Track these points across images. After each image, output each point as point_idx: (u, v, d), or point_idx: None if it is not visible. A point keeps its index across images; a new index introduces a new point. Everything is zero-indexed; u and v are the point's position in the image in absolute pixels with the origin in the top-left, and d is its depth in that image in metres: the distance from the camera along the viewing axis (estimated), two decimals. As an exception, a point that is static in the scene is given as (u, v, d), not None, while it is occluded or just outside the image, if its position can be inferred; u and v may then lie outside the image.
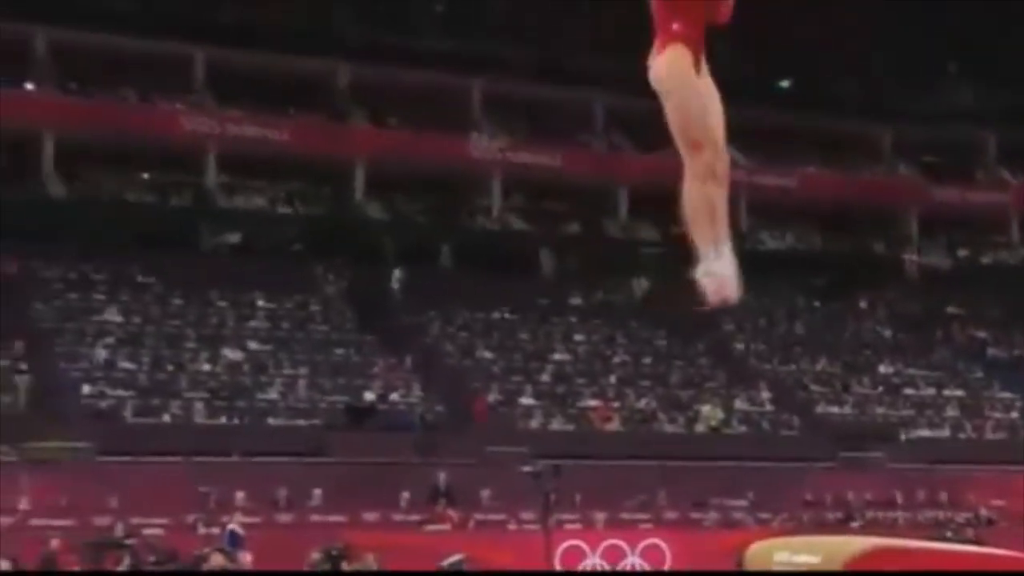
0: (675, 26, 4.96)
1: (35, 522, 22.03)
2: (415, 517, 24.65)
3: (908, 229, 41.64)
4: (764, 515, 26.94)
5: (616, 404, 30.81)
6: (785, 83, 42.16)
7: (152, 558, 20.43)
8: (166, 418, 26.47)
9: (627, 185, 37.93)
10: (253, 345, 29.75)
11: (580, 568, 23.81)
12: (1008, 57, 37.20)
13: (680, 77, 4.92)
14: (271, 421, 27.26)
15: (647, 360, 33.30)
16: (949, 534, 24.48)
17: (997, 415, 33.90)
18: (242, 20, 34.47)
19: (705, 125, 4.90)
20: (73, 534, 21.11)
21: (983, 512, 28.44)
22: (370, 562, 20.54)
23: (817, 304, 38.96)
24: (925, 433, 32.53)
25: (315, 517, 24.25)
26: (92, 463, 24.29)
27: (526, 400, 29.99)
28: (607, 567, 24.11)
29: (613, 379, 31.99)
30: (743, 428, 31.24)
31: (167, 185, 34.86)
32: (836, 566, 6.52)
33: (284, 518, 24.15)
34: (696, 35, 5.00)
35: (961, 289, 40.16)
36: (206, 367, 28.49)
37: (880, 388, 34.41)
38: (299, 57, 34.68)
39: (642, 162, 36.29)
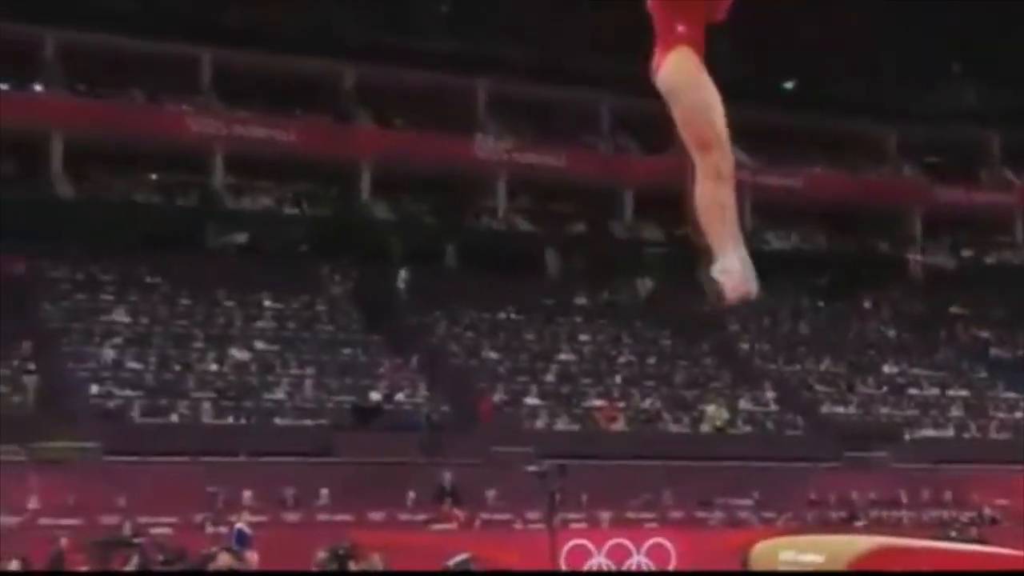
0: (679, 28, 4.99)
1: (44, 521, 22.10)
2: (421, 517, 24.69)
3: (912, 229, 41.66)
4: (769, 514, 26.98)
5: (621, 404, 30.85)
6: (789, 84, 42.20)
7: (160, 557, 20.49)
8: (174, 418, 26.51)
9: (632, 186, 37.99)
10: (260, 345, 29.82)
11: (586, 567, 23.85)
12: (1012, 57, 37.20)
13: (689, 78, 4.96)
14: (278, 421, 27.31)
15: (652, 360, 33.34)
16: (953, 533, 24.54)
17: (1001, 415, 33.91)
18: (248, 22, 34.55)
19: (714, 125, 4.97)
20: (81, 533, 21.16)
21: (987, 511, 28.48)
22: (376, 561, 20.58)
23: (821, 304, 38.98)
24: (929, 433, 32.56)
25: (322, 516, 24.32)
26: (100, 463, 24.37)
27: (531, 400, 30.03)
28: (612, 566, 24.15)
29: (618, 379, 32.03)
30: (748, 428, 31.27)
31: (174, 186, 34.95)
32: (841, 565, 6.55)
33: (291, 517, 24.19)
34: (699, 35, 5.04)
35: (965, 289, 40.17)
36: (213, 367, 28.54)
37: (884, 388, 34.44)
38: (305, 58, 34.76)
39: (647, 163, 36.37)
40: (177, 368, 28.25)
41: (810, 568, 6.76)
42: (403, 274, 33.77)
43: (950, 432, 32.88)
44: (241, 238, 35.29)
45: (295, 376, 28.82)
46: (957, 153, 42.30)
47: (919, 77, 40.56)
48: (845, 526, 25.75)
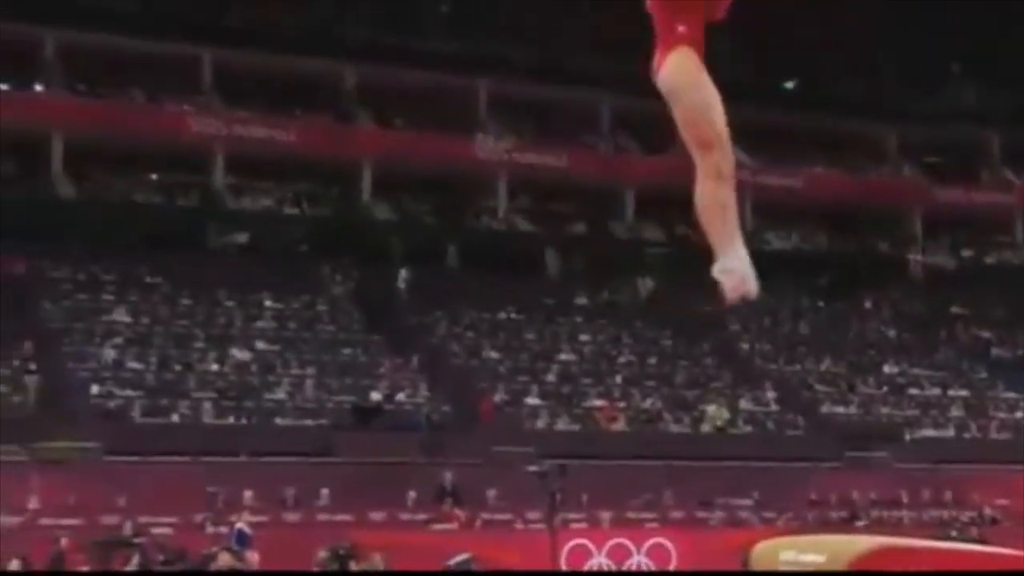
0: (680, 29, 4.99)
1: (44, 521, 22.09)
2: (422, 516, 24.68)
3: (912, 229, 41.68)
4: (769, 514, 26.98)
5: (622, 404, 30.86)
6: (790, 84, 42.23)
7: (160, 557, 20.48)
8: (174, 418, 26.51)
9: (633, 186, 38.03)
10: (261, 345, 29.83)
11: (586, 567, 23.85)
12: (1012, 57, 37.22)
13: (689, 78, 4.96)
14: (278, 421, 27.31)
15: (652, 360, 33.36)
16: (954, 533, 24.53)
17: (1001, 415, 33.93)
18: (249, 22, 34.60)
19: (714, 125, 4.97)
20: (82, 533, 21.14)
21: (987, 511, 28.49)
22: (377, 561, 20.56)
23: (822, 304, 39.00)
24: (930, 433, 32.57)
25: (322, 516, 24.31)
26: (101, 463, 24.37)
27: (532, 400, 30.04)
28: (613, 566, 24.15)
29: (619, 379, 32.04)
30: (748, 428, 31.29)
31: (175, 186, 34.98)
32: (841, 565, 6.56)
33: (292, 517, 24.18)
34: (699, 35, 5.04)
35: (965, 289, 40.18)
36: (214, 367, 28.55)
37: (885, 388, 34.45)
38: (306, 58, 34.78)
39: (648, 163, 36.43)
40: (178, 368, 28.26)
41: (811, 568, 6.77)
42: (404, 274, 33.79)
43: (950, 432, 32.89)
44: (242, 238, 35.30)
45: (296, 376, 28.83)
46: (957, 153, 42.33)
47: (919, 77, 40.58)
48: (846, 526, 25.75)
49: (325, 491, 24.73)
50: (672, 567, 24.14)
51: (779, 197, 38.40)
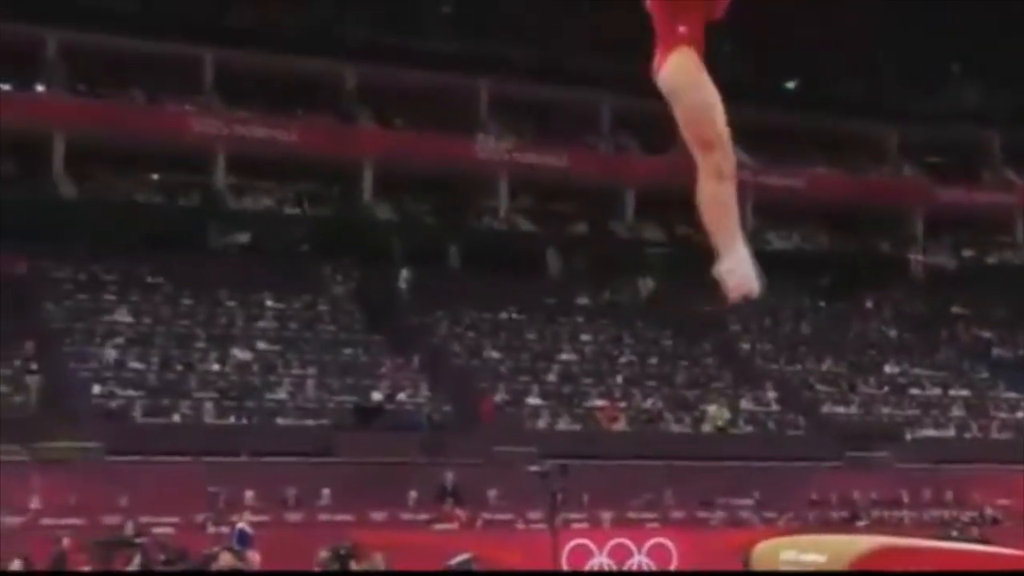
0: (681, 29, 5.02)
1: (46, 521, 22.12)
2: (423, 516, 24.70)
3: (913, 229, 41.69)
4: (770, 514, 26.99)
5: (623, 404, 30.88)
6: (791, 84, 42.24)
7: (162, 557, 20.50)
8: (176, 418, 26.55)
9: (634, 186, 38.05)
10: (262, 345, 29.85)
11: (587, 567, 23.86)
12: (1013, 57, 37.22)
13: (690, 78, 4.99)
14: (280, 421, 27.34)
15: (653, 360, 33.37)
16: (955, 533, 24.55)
17: (1002, 415, 33.94)
18: (250, 22, 34.63)
19: (715, 125, 4.99)
20: (83, 533, 21.18)
21: (988, 511, 28.50)
22: (378, 561, 20.57)
23: (823, 304, 39.02)
24: (930, 433, 32.58)
25: (323, 516, 24.35)
26: (102, 463, 24.40)
27: (533, 400, 30.07)
28: (614, 566, 24.17)
29: (620, 379, 32.07)
30: (749, 428, 31.30)
31: (176, 186, 35.01)
32: (842, 565, 6.57)
33: (293, 517, 24.22)
34: (699, 35, 5.07)
35: (966, 289, 40.20)
36: (215, 367, 28.58)
37: (886, 388, 34.46)
38: (307, 59, 34.80)
39: (649, 163, 36.45)
40: (179, 368, 28.29)
41: (811, 568, 6.78)
42: (405, 274, 33.82)
43: (951, 432, 32.91)
44: (243, 238, 35.34)
45: (297, 376, 28.85)
46: (958, 153, 42.35)
47: (920, 77, 40.59)
48: (846, 526, 25.77)
49: (326, 491, 24.76)
50: (673, 567, 24.16)
51: (780, 197, 38.40)
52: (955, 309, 39.98)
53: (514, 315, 33.79)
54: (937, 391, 34.65)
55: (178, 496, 22.96)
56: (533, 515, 23.76)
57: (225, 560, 18.72)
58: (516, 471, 23.64)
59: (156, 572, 20.04)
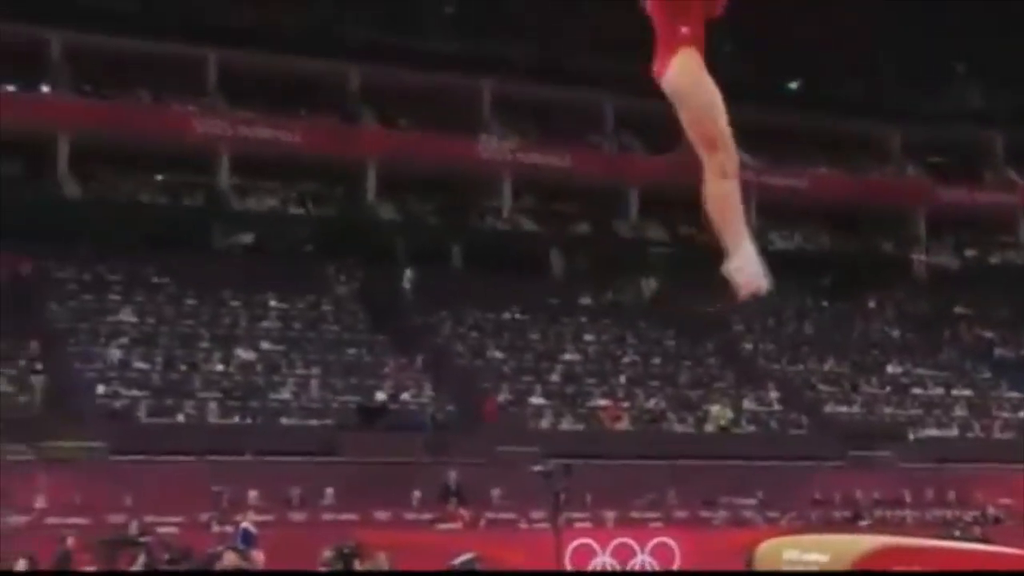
0: (684, 30, 5.08)
1: (51, 520, 22.14)
2: (426, 516, 24.73)
3: (916, 229, 41.71)
4: (773, 514, 27.01)
5: (626, 404, 30.90)
6: (794, 84, 42.25)
7: (166, 556, 20.51)
8: (180, 418, 26.60)
9: (637, 186, 38.08)
10: (266, 345, 29.89)
11: (590, 567, 23.88)
12: (1015, 57, 37.21)
13: (694, 79, 5.05)
14: (284, 421, 27.37)
15: (656, 360, 33.40)
16: (957, 532, 24.57)
17: (1005, 415, 33.96)
18: (253, 23, 34.62)
19: (718, 124, 5.04)
20: (88, 532, 21.20)
21: (991, 511, 28.51)
22: (382, 560, 20.59)
23: (825, 304, 39.03)
24: (933, 432, 32.60)
25: (327, 516, 24.35)
26: (107, 462, 24.46)
27: (536, 400, 30.10)
28: (617, 566, 24.18)
29: (623, 379, 32.09)
30: (752, 428, 31.33)
31: (180, 186, 35.06)
32: (845, 565, 6.62)
33: (297, 517, 24.25)
34: (701, 34, 5.13)
35: (969, 289, 40.20)
36: (219, 367, 28.62)
37: (888, 388, 34.49)
38: (310, 59, 34.84)
39: (652, 163, 36.47)
40: (183, 368, 28.33)
41: (814, 567, 6.82)
42: (408, 274, 33.84)
43: (954, 432, 32.93)
44: (247, 238, 35.39)
45: (301, 376, 28.90)
46: (960, 153, 42.37)
47: (922, 77, 40.60)
48: (849, 525, 25.79)
49: (330, 490, 24.79)
50: (676, 567, 24.19)
51: (783, 197, 38.38)
52: (957, 309, 39.99)
53: (517, 315, 33.82)
54: (940, 391, 34.67)
55: (182, 496, 23.02)
56: (536, 515, 23.75)
57: (229, 559, 18.73)
58: (519, 471, 23.64)
59: (160, 571, 20.06)
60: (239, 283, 31.75)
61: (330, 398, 28.47)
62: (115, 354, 27.93)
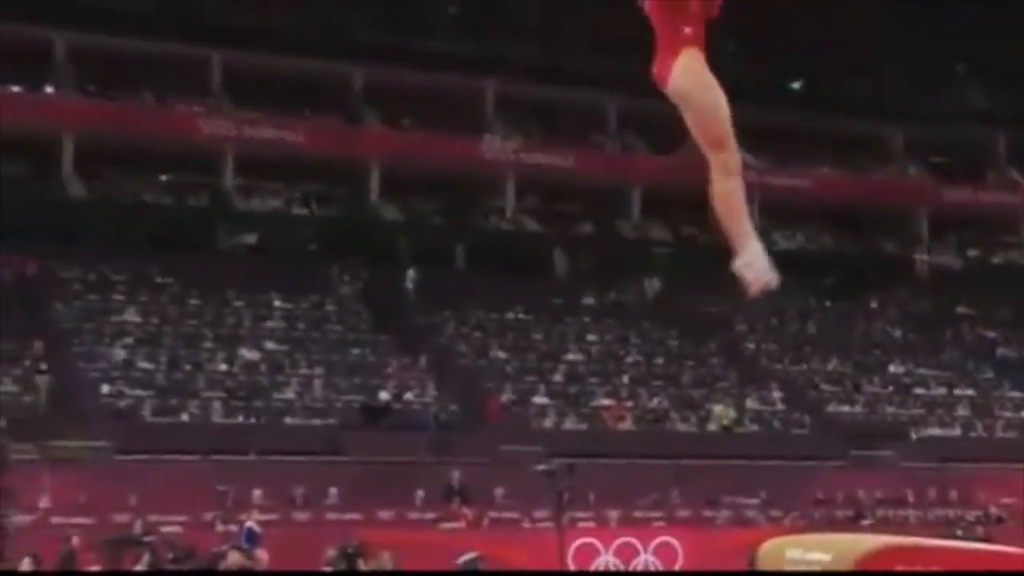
0: (687, 30, 5.10)
1: (55, 520, 22.20)
2: (430, 515, 24.78)
3: (918, 229, 41.72)
4: (776, 513, 27.04)
5: (629, 403, 30.95)
6: (796, 84, 42.27)
7: (170, 555, 20.54)
8: (184, 417, 26.66)
9: (640, 186, 38.10)
10: (270, 345, 29.96)
11: (593, 566, 23.91)
12: (1017, 57, 37.22)
13: (700, 79, 5.08)
14: (287, 420, 27.43)
15: (659, 360, 33.44)
16: (959, 532, 24.60)
17: (1007, 414, 33.99)
18: (258, 24, 34.65)
19: (724, 123, 5.07)
20: (93, 531, 21.22)
21: (993, 510, 28.54)
22: (385, 560, 20.60)
23: (828, 304, 39.04)
24: (935, 432, 32.63)
25: (331, 515, 24.40)
26: (111, 461, 24.54)
27: (539, 399, 30.15)
28: (620, 565, 24.21)
29: (626, 379, 32.13)
30: (755, 427, 31.37)
31: (185, 186, 35.14)
32: (848, 564, 6.65)
33: (300, 516, 24.29)
34: (702, 33, 5.15)
35: (971, 289, 40.23)
36: (223, 367, 28.67)
37: (891, 387, 34.51)
38: (314, 60, 34.90)
39: (655, 163, 36.52)
40: (187, 368, 28.40)
41: (817, 567, 6.87)
42: (412, 274, 33.89)
43: (956, 431, 32.96)
44: (251, 238, 35.45)
45: (304, 376, 28.96)
46: (963, 153, 42.38)
47: (925, 77, 40.61)
48: (851, 525, 25.80)
49: (334, 490, 24.84)
50: (679, 566, 24.23)
51: (785, 197, 38.38)
52: (960, 309, 40.02)
53: (520, 315, 33.86)
54: (942, 391, 34.70)
55: (186, 495, 23.04)
56: (539, 514, 23.82)
57: (233, 559, 18.76)
58: (523, 470, 23.69)
59: (164, 571, 20.10)
60: (243, 283, 31.81)
61: (334, 398, 28.52)
62: (119, 354, 28.00)
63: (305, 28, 35.31)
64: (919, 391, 34.52)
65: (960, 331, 38.65)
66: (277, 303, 31.70)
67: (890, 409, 33.46)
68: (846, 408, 33.13)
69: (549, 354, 32.39)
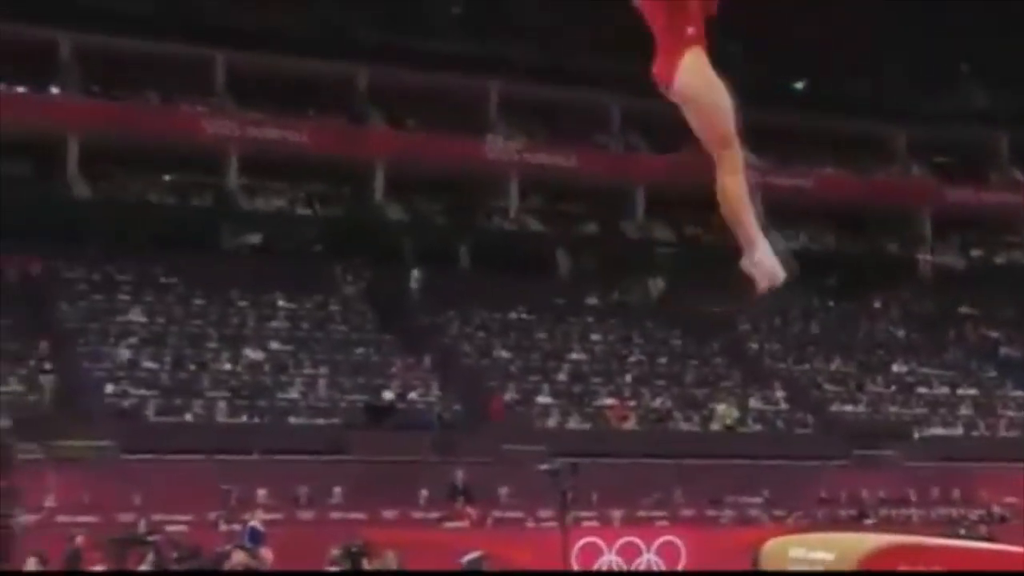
0: (690, 30, 5.09)
1: (61, 519, 22.21)
2: (434, 515, 24.79)
3: (922, 229, 41.72)
4: (779, 512, 27.05)
5: (632, 403, 30.97)
6: (799, 84, 42.27)
7: (175, 554, 20.58)
8: (188, 417, 26.69)
9: (643, 185, 38.12)
10: (274, 345, 29.99)
11: (597, 565, 23.91)
12: (1020, 57, 37.22)
13: (706, 79, 5.09)
14: (292, 420, 27.46)
15: (663, 359, 33.47)
16: (962, 531, 24.63)
17: (1010, 413, 34.01)
18: (262, 24, 34.71)
19: (730, 122, 5.10)
20: (97, 531, 21.25)
21: (996, 509, 28.55)
22: (390, 559, 20.60)
23: (831, 304, 39.05)
24: (938, 431, 32.65)
25: (335, 514, 24.40)
26: (116, 461, 24.56)
27: (543, 399, 30.17)
28: (623, 564, 24.23)
29: (629, 378, 32.16)
30: (758, 427, 31.39)
31: (189, 186, 35.19)
32: (851, 563, 6.69)
33: (305, 515, 24.30)
34: (704, 32, 5.15)
35: (974, 289, 40.23)
36: (227, 367, 28.71)
37: (894, 387, 34.53)
38: (318, 60, 34.93)
39: (658, 162, 36.54)
40: (192, 368, 28.44)
41: (820, 566, 6.90)
42: (416, 274, 33.93)
43: (959, 430, 32.98)
44: (255, 238, 35.47)
45: (308, 375, 28.99)
46: (966, 153, 42.38)
47: (928, 78, 40.61)
48: (855, 524, 25.82)
49: (338, 489, 24.86)
50: (682, 565, 24.24)
51: (788, 197, 38.20)
52: (963, 309, 40.02)
53: (524, 315, 33.89)
54: (945, 390, 34.72)
55: (191, 494, 23.08)
56: (543, 513, 23.81)
57: (237, 558, 18.81)
58: (526, 470, 23.73)
59: (169, 570, 20.14)
60: (247, 283, 31.85)
61: (338, 397, 28.56)
62: (124, 354, 28.03)
63: (309, 29, 35.37)
64: (922, 391, 34.54)
65: (963, 331, 38.67)
66: (281, 303, 31.74)
67: (893, 409, 33.48)
68: (849, 408, 33.15)
69: (553, 354, 32.43)
